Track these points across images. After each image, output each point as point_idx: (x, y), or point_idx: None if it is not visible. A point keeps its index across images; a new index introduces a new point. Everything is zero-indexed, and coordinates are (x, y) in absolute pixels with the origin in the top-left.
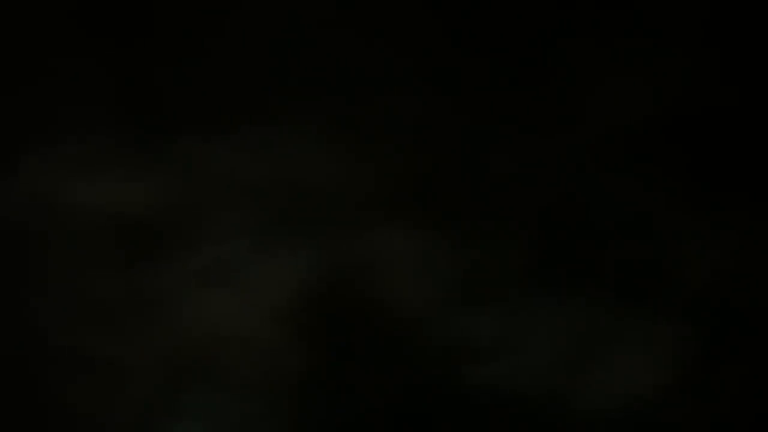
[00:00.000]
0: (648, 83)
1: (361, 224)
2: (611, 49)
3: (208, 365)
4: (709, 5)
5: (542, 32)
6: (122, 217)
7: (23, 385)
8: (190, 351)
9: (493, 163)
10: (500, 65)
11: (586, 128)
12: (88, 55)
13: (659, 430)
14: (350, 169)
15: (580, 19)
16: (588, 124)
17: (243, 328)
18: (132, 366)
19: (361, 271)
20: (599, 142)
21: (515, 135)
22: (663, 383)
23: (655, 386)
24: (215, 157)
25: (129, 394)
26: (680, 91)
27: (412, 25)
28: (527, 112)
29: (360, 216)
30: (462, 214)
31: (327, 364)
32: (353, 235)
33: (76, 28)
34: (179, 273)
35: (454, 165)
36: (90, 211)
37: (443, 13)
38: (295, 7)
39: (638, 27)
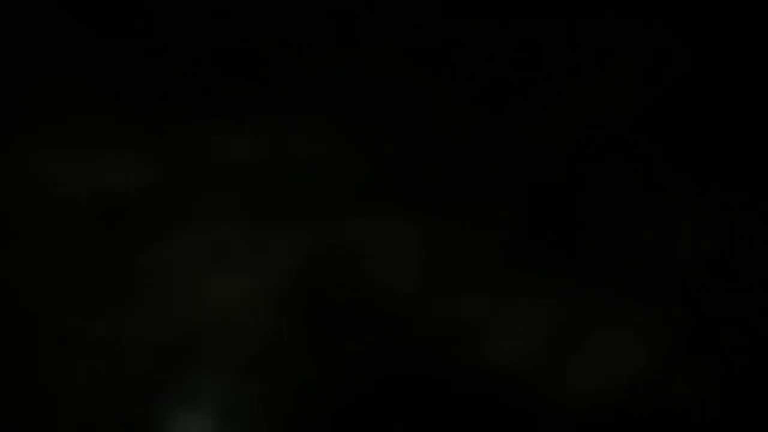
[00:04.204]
0: (636, 70)
1: (353, 209)
2: (597, 37)
3: (204, 347)
4: None
5: (531, 19)
6: (115, 200)
7: (19, 367)
8: (185, 332)
9: (481, 149)
10: (489, 51)
11: (575, 114)
12: (85, 42)
13: (645, 411)
14: (342, 154)
15: (568, 5)
16: (576, 110)
17: (237, 311)
18: (127, 347)
19: (352, 255)
20: (589, 128)
21: (503, 121)
22: (649, 366)
23: (641, 368)
24: (209, 140)
25: (124, 376)
26: (666, 79)
27: (401, 15)
28: (516, 99)
29: (351, 201)
30: (450, 198)
31: (319, 346)
32: (345, 219)
33: (71, 15)
34: (173, 255)
35: (442, 151)
36: (83, 193)
37: (431, 4)
38: None
39: (624, 14)
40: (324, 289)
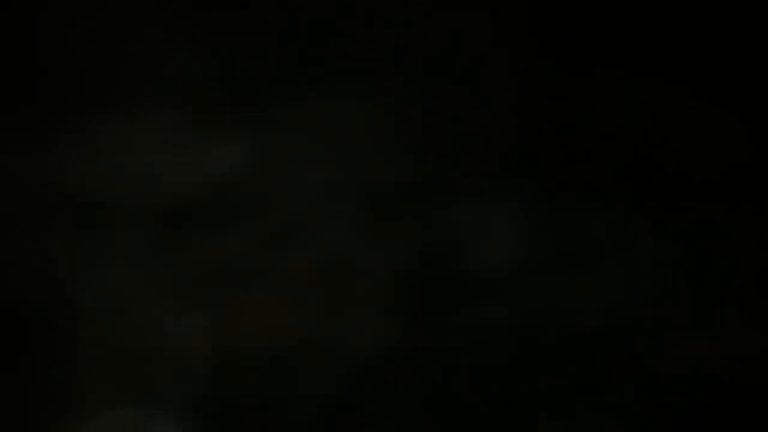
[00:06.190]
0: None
1: (444, 198)
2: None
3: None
4: None
5: None
6: (197, 187)
7: (67, 366)
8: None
9: (586, 134)
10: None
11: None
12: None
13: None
14: (430, 143)
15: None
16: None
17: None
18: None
19: (450, 243)
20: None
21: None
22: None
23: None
24: (293, 124)
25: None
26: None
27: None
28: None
29: (441, 189)
30: (555, 183)
31: (434, 338)
32: (439, 208)
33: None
34: (263, 240)
35: (545, 135)
36: (163, 179)
37: None
38: None
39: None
40: (435, 279)
